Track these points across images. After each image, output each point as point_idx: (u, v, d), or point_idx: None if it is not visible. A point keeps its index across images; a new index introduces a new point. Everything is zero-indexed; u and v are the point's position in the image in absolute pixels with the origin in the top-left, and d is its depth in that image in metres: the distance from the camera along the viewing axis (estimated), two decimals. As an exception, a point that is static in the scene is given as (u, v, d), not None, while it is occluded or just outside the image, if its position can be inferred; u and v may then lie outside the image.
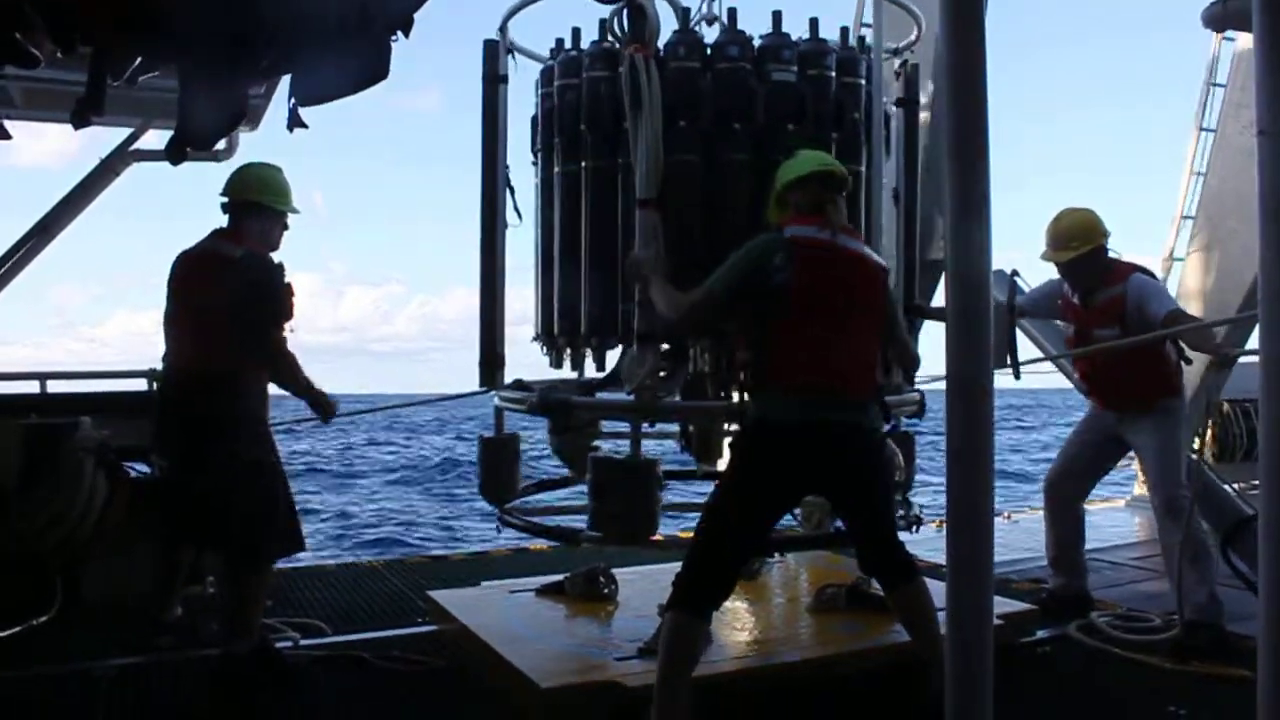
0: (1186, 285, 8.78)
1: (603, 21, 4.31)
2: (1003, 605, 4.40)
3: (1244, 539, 4.77)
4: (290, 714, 3.86)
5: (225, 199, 4.26)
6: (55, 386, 6.09)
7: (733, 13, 4.38)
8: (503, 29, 4.66)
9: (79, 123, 3.15)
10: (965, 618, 2.61)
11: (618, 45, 4.18)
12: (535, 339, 4.80)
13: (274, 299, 4.09)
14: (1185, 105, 9.02)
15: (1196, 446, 8.83)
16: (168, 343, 4.30)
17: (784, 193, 3.64)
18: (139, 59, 3.03)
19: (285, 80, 3.39)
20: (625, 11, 4.04)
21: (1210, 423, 9.14)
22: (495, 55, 4.62)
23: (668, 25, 4.26)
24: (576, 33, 4.54)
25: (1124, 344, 4.66)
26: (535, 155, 4.78)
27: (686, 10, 4.38)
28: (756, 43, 4.30)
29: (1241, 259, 7.95)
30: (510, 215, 4.67)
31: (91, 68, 2.99)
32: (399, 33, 3.07)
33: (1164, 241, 9.08)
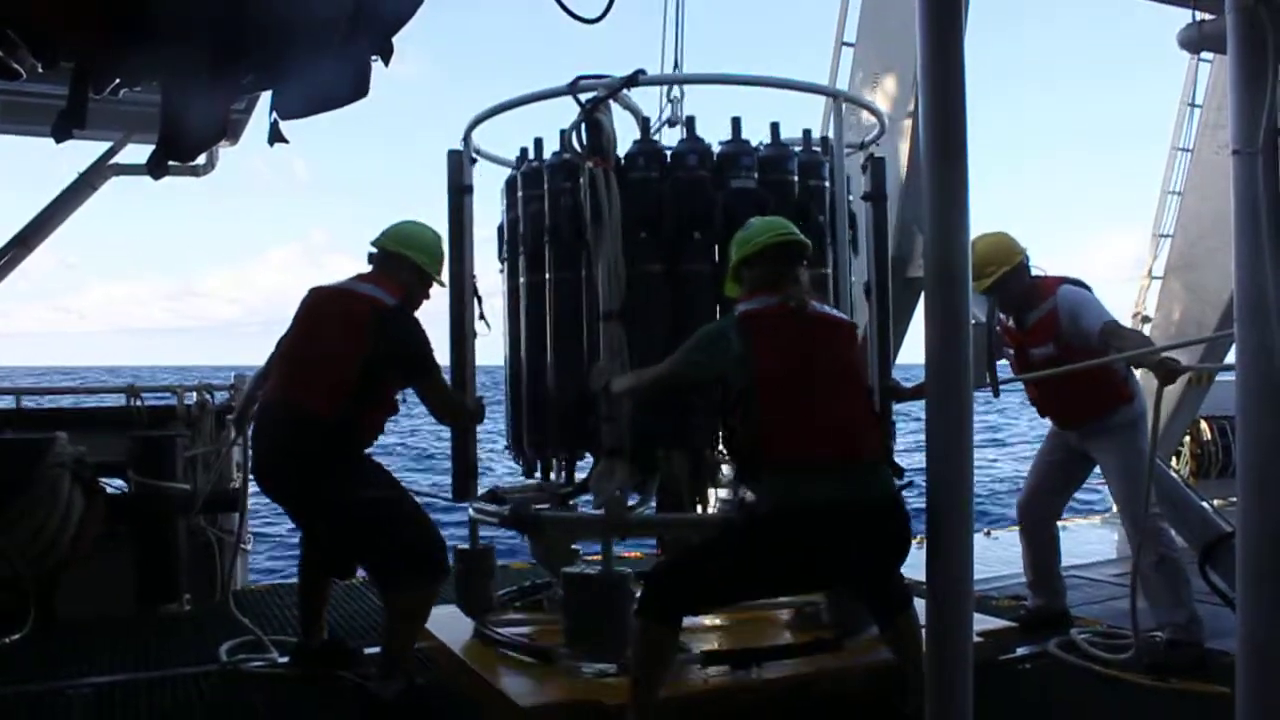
0: (1164, 303, 8.87)
1: (562, 133, 4.28)
2: (982, 622, 4.41)
3: (1221, 556, 4.78)
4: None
5: (383, 248, 4.20)
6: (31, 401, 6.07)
7: (690, 121, 4.41)
8: (466, 139, 4.66)
9: (60, 136, 3.13)
10: (945, 635, 2.62)
11: (579, 151, 4.13)
12: (506, 449, 4.81)
13: (428, 353, 4.03)
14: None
15: (1175, 464, 8.96)
16: (278, 374, 4.14)
17: (738, 267, 3.58)
18: (122, 73, 3.02)
19: (266, 95, 3.39)
20: (583, 125, 4.04)
21: (1188, 439, 9.23)
22: (460, 166, 4.61)
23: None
24: (539, 143, 4.56)
25: (1080, 367, 4.44)
26: (501, 264, 4.79)
27: (646, 120, 4.34)
28: (717, 149, 4.30)
29: (1218, 277, 8.03)
30: (479, 325, 4.63)
31: (73, 81, 2.97)
32: (378, 58, 3.07)
33: (1142, 260, 9.17)
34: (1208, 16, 6.70)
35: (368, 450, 4.07)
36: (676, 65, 4.98)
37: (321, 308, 4.13)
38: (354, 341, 3.93)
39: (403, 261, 4.17)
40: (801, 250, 3.56)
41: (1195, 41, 7.30)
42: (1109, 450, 4.72)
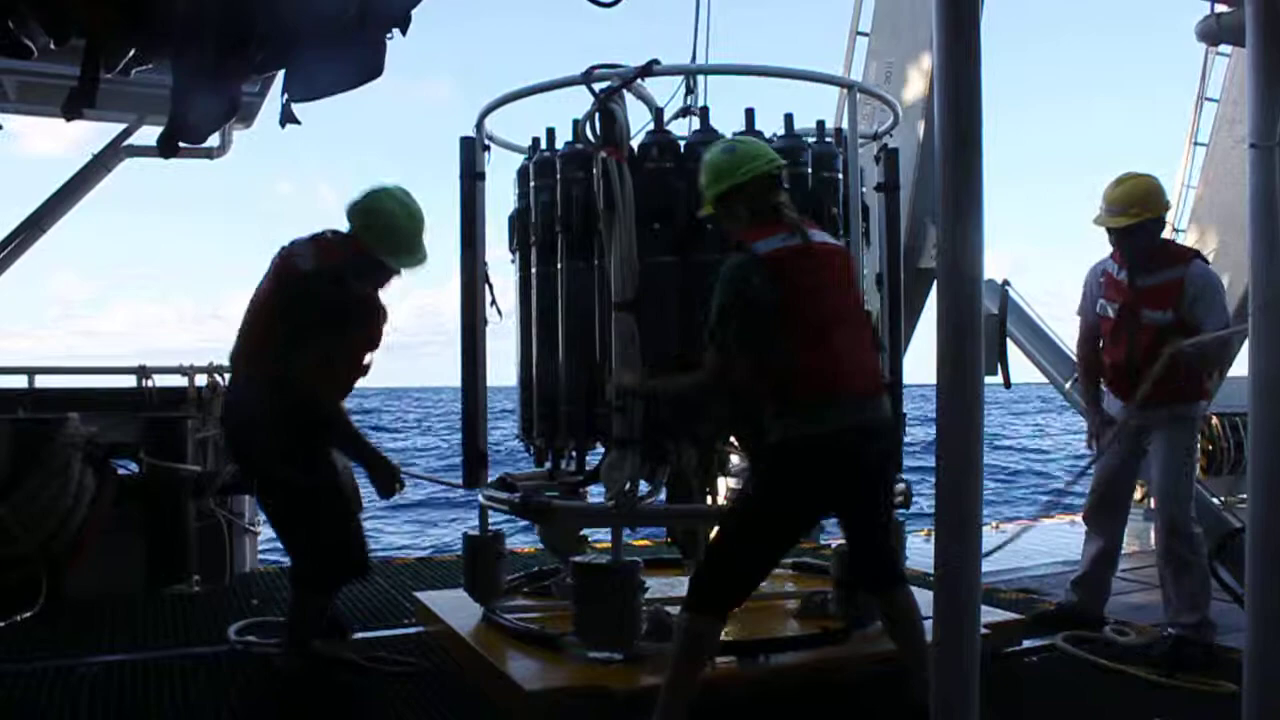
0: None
1: (576, 122, 4.25)
2: (990, 614, 4.40)
3: (1231, 552, 4.76)
4: (273, 714, 3.84)
5: (348, 216, 4.02)
6: (43, 381, 6.09)
7: (704, 111, 4.37)
8: (479, 126, 4.63)
9: (71, 114, 3.14)
10: (952, 626, 2.60)
11: (592, 141, 4.09)
12: (517, 438, 4.81)
13: (312, 318, 3.74)
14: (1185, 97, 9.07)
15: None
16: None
17: (727, 197, 3.47)
18: (132, 52, 3.03)
19: (279, 76, 3.39)
20: (597, 114, 4.01)
21: (1199, 435, 9.18)
22: (473, 152, 4.59)
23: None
24: (551, 133, 4.55)
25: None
26: (513, 253, 4.77)
27: (660, 111, 4.28)
28: None
29: (1232, 272, 7.99)
30: (490, 313, 4.63)
31: (84, 60, 2.98)
32: (395, 30, 3.06)
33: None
34: (1226, 8, 6.63)
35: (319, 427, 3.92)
36: (694, 58, 4.94)
37: (268, 269, 4.02)
38: (270, 295, 3.90)
39: (355, 237, 3.99)
40: (779, 172, 3.54)
41: (1214, 33, 7.24)
42: (1162, 438, 4.64)
